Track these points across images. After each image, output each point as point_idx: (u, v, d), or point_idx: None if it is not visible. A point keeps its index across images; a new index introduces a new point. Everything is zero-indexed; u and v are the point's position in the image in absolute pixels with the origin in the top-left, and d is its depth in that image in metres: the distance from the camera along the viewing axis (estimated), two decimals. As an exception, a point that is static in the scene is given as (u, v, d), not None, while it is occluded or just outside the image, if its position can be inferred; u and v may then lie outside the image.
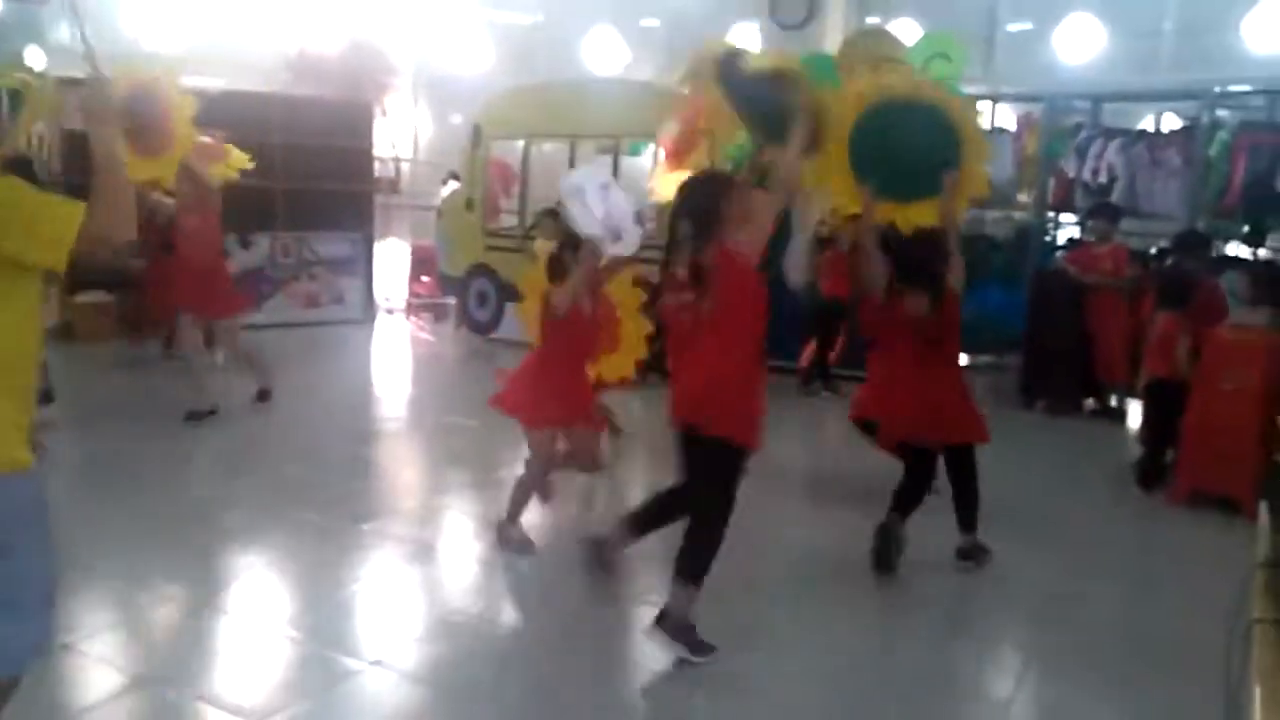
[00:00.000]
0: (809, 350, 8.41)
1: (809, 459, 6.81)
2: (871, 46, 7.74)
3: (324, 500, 5.09)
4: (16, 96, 5.00)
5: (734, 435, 3.48)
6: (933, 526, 4.50)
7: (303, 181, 10.33)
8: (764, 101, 4.31)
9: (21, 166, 5.77)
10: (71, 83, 4.77)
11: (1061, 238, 8.97)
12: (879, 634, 3.92)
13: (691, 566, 3.50)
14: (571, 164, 8.87)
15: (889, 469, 4.59)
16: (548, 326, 4.46)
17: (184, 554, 4.32)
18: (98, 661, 3.36)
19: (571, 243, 4.37)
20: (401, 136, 13.97)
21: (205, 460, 5.97)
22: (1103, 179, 8.09)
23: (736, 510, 3.55)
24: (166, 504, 5.00)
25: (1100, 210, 7.72)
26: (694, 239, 3.41)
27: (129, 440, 6.07)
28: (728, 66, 4.44)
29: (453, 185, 11.21)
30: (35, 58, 9.70)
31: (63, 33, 11.43)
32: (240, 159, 7.11)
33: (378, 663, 3.44)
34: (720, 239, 3.38)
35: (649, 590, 4.17)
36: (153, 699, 3.17)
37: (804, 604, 4.18)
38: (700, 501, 3.57)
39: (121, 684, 3.28)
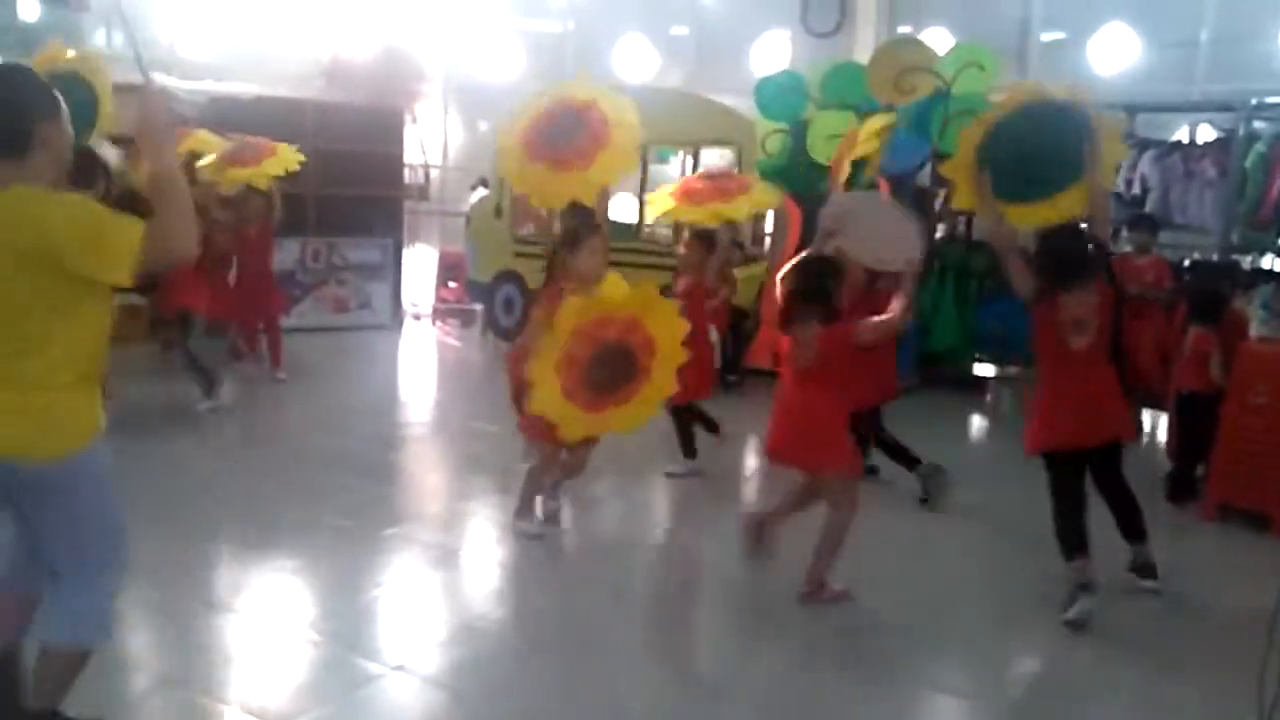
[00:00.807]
0: None
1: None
2: (903, 55, 7.73)
3: (348, 504, 5.10)
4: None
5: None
6: (953, 531, 4.46)
7: (333, 187, 10.41)
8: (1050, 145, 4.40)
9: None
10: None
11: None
12: (901, 639, 3.88)
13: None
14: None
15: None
16: (840, 355, 4.03)
17: (208, 556, 4.35)
18: (121, 663, 3.37)
19: (827, 270, 4.17)
20: (431, 143, 14.07)
21: (229, 463, 6.01)
22: (1136, 190, 8.01)
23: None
24: (190, 506, 5.02)
25: (1139, 222, 7.62)
26: (1084, 277, 4.11)
27: (152, 443, 6.11)
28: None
29: (481, 192, 11.26)
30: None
31: (100, 38, 11.62)
32: (286, 158, 7.16)
33: (400, 667, 3.44)
34: (1099, 275, 4.14)
35: (667, 594, 4.17)
36: (176, 700, 3.19)
37: (824, 606, 4.15)
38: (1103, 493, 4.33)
39: (145, 686, 3.30)
